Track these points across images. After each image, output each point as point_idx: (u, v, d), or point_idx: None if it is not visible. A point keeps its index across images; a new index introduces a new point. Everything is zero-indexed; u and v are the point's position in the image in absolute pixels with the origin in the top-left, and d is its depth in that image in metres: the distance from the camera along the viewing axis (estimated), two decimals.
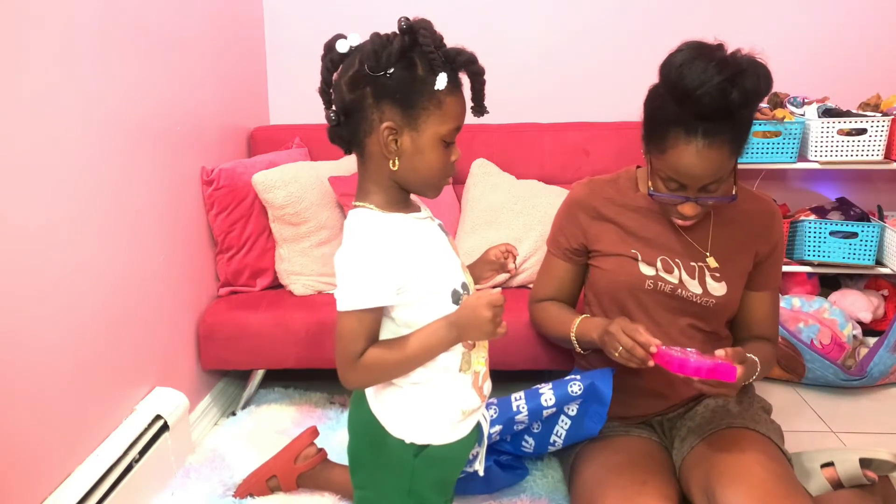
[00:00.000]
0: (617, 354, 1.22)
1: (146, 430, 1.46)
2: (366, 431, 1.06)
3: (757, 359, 1.29)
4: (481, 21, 2.32)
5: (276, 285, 2.01)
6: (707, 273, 1.35)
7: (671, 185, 1.23)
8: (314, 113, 2.34)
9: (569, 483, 1.44)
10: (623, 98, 2.33)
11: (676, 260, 1.36)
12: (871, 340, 2.12)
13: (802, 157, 2.14)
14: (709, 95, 1.11)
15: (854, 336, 2.09)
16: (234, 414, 1.89)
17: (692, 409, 1.41)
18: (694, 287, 1.35)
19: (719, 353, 1.17)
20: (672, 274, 1.35)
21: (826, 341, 2.02)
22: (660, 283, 1.35)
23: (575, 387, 1.37)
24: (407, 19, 0.95)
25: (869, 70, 2.29)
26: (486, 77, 0.99)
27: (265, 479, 1.51)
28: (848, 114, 2.07)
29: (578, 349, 1.42)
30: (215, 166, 1.88)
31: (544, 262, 1.55)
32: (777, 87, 2.23)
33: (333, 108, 0.99)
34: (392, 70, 0.93)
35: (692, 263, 1.36)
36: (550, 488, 1.51)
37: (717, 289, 1.35)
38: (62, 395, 1.27)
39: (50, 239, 1.23)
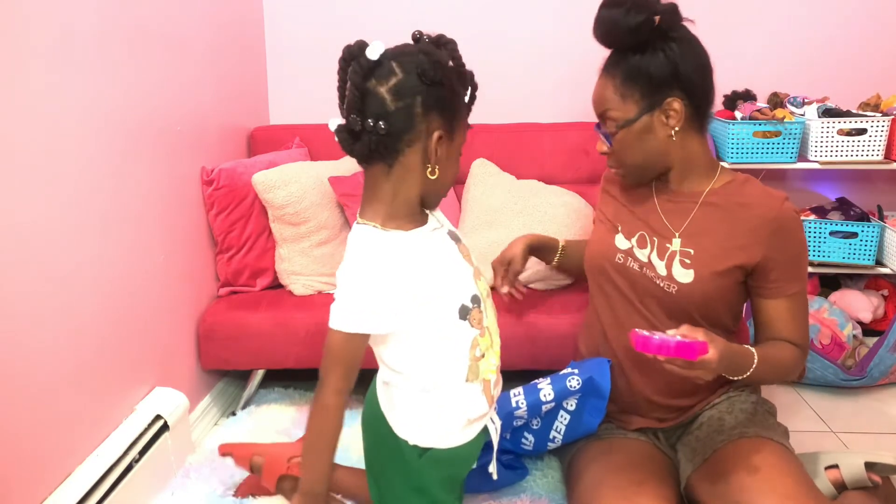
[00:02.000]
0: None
1: (146, 430, 1.46)
2: (375, 429, 1.09)
3: (754, 350, 1.19)
4: (481, 21, 2.31)
5: (276, 285, 2.01)
6: (677, 257, 1.30)
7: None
8: (314, 113, 2.37)
9: (567, 483, 1.43)
10: None
11: (654, 238, 1.34)
12: (871, 340, 2.12)
13: (802, 157, 2.14)
14: (599, 11, 1.22)
15: (854, 336, 2.09)
16: (234, 414, 1.89)
17: (695, 419, 1.39)
18: (660, 269, 1.31)
19: (682, 329, 1.10)
20: (644, 250, 1.35)
21: (826, 341, 2.02)
22: (629, 260, 1.35)
23: (573, 381, 1.37)
24: (421, 33, 1.00)
25: (869, 70, 2.29)
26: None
27: (252, 453, 1.46)
28: (848, 114, 2.07)
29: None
30: (215, 166, 1.88)
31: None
32: (777, 87, 2.26)
33: (369, 116, 0.95)
34: (442, 81, 0.96)
35: (666, 245, 1.32)
36: (550, 488, 1.51)
37: (683, 275, 1.28)
38: (62, 395, 1.27)
39: (50, 239, 1.23)
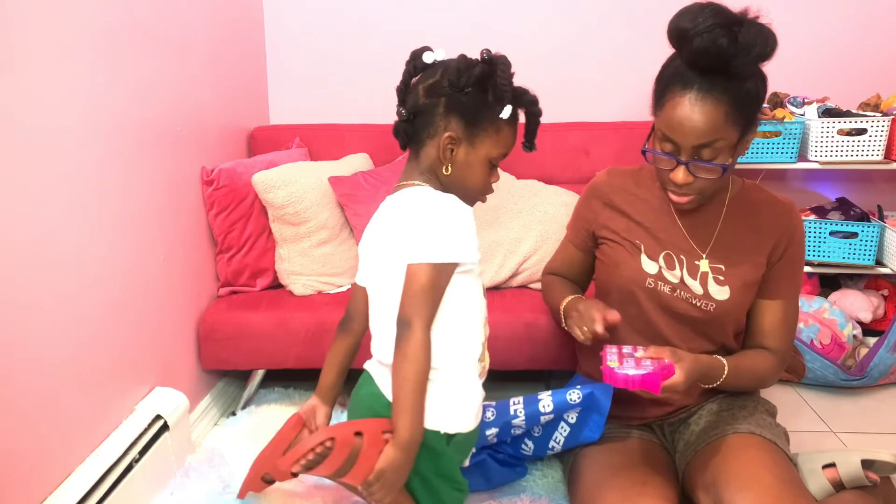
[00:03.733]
0: (575, 327, 1.31)
1: (146, 430, 1.46)
2: None
3: (725, 361, 1.27)
4: (480, 21, 2.32)
5: (276, 285, 2.01)
6: (710, 275, 1.32)
7: (666, 145, 1.20)
8: (314, 113, 2.38)
9: (569, 483, 1.44)
10: (623, 98, 2.35)
11: (681, 257, 1.33)
12: (871, 340, 2.12)
13: (802, 157, 2.14)
14: (699, 37, 1.11)
15: (854, 336, 2.09)
16: (234, 414, 1.89)
17: (695, 413, 1.40)
18: (695, 287, 1.32)
19: (649, 352, 1.20)
20: (673, 272, 1.33)
21: (826, 341, 2.02)
22: (660, 284, 1.33)
23: (574, 395, 1.37)
24: (489, 52, 1.09)
25: (869, 70, 2.29)
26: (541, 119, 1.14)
27: (259, 475, 1.45)
28: (848, 114, 2.07)
29: (563, 324, 1.43)
30: (215, 166, 1.88)
31: (562, 241, 1.59)
32: (777, 87, 2.26)
33: (406, 107, 1.11)
34: (469, 90, 1.07)
35: (696, 263, 1.33)
36: (550, 488, 1.51)
37: (720, 292, 1.31)
38: (62, 395, 1.27)
39: (50, 239, 1.23)
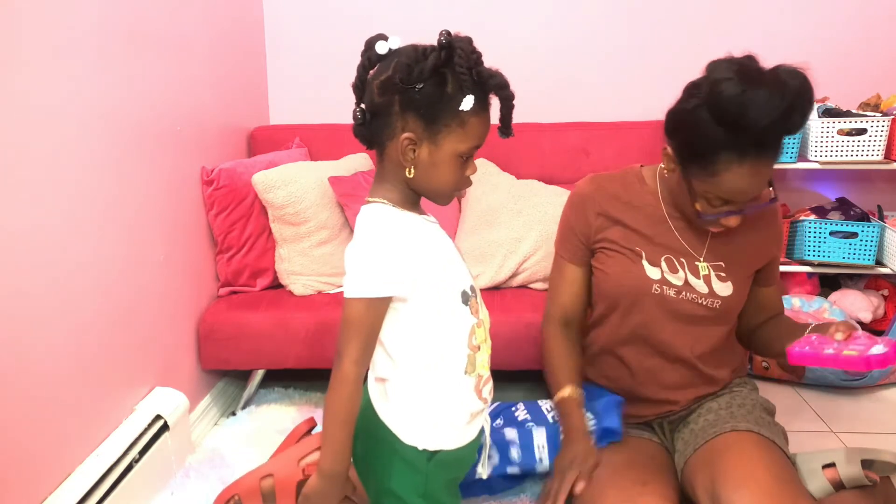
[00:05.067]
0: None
1: (146, 430, 1.46)
2: (376, 439, 1.05)
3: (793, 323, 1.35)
4: (479, 21, 2.32)
5: (276, 285, 2.01)
6: (713, 273, 1.34)
7: (717, 202, 1.22)
8: (314, 113, 2.38)
9: None
10: (623, 98, 2.35)
11: (681, 259, 1.34)
12: None
13: (802, 157, 2.14)
14: (774, 126, 1.11)
15: None
16: (234, 414, 1.89)
17: (694, 411, 1.40)
18: (700, 287, 1.33)
19: (839, 336, 1.17)
20: (677, 274, 1.34)
21: None
22: (665, 288, 1.33)
23: (589, 423, 1.35)
24: (448, 34, 0.95)
25: (869, 70, 2.29)
26: (514, 101, 1.02)
27: (259, 478, 1.39)
28: (848, 114, 2.07)
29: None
30: (215, 166, 1.88)
31: (553, 267, 1.50)
32: None
33: (363, 105, 1.00)
34: (422, 85, 0.95)
35: (696, 264, 1.35)
36: None
37: (724, 289, 1.34)
38: (62, 395, 1.27)
39: (50, 239, 1.23)
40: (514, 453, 1.40)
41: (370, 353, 1.01)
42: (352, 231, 1.99)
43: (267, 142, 2.23)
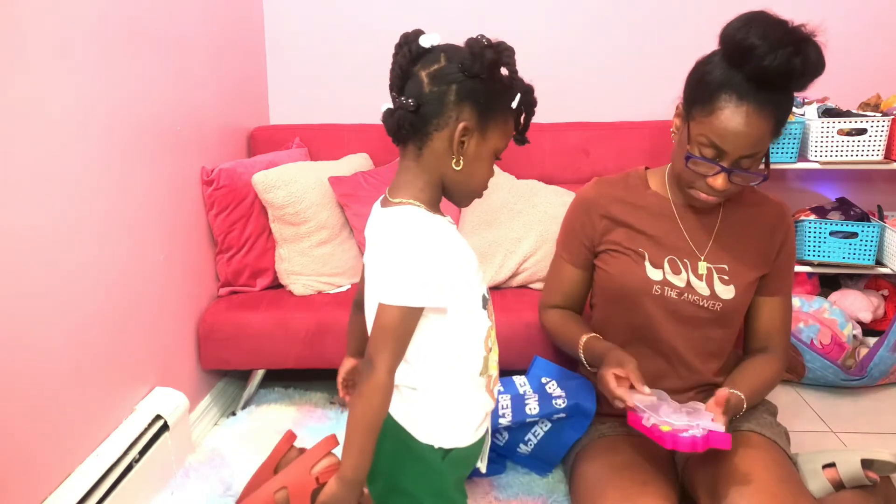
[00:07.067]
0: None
1: (146, 430, 1.46)
2: (385, 437, 1.04)
3: (742, 395, 1.27)
4: (479, 20, 2.32)
5: (276, 285, 2.01)
6: (715, 275, 1.34)
7: (708, 151, 1.20)
8: (314, 113, 2.38)
9: (569, 482, 1.44)
10: (623, 98, 2.35)
11: (685, 260, 1.34)
12: (871, 340, 2.12)
13: (802, 157, 2.14)
14: (772, 55, 1.11)
15: (854, 336, 2.08)
16: (234, 414, 1.89)
17: None
18: (702, 289, 1.33)
19: (707, 406, 1.20)
20: (679, 276, 1.34)
21: (826, 341, 2.01)
22: (667, 289, 1.33)
23: (560, 402, 1.42)
24: (488, 38, 0.99)
25: (869, 70, 2.28)
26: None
27: (273, 492, 1.36)
28: (848, 114, 2.07)
29: (589, 368, 1.39)
30: (215, 166, 1.88)
31: (552, 265, 1.53)
32: None
33: (408, 95, 0.99)
34: (485, 76, 0.98)
35: (699, 264, 1.35)
36: (550, 488, 1.51)
37: (725, 292, 1.33)
38: (62, 395, 1.27)
39: (50, 239, 1.23)
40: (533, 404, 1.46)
41: (400, 360, 1.01)
42: (352, 231, 2.01)
43: (267, 142, 2.23)
